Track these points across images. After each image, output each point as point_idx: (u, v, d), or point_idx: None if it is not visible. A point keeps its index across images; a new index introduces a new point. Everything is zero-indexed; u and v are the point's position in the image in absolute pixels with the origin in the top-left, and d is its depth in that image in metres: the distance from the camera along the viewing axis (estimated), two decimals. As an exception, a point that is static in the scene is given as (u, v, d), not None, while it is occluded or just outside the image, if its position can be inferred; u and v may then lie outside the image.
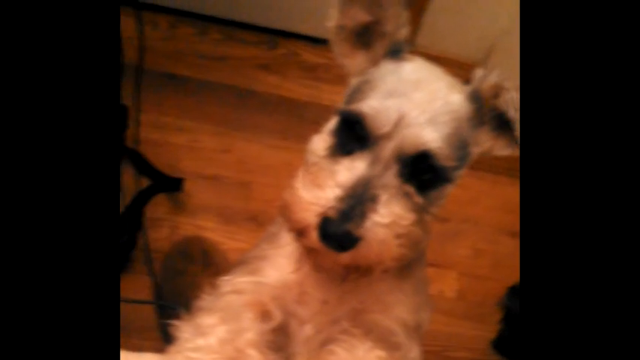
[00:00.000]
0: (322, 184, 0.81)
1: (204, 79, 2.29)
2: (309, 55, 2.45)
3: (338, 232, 0.78)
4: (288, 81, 2.39)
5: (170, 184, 2.00)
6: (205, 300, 1.00)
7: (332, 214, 0.79)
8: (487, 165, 2.42)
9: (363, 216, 0.79)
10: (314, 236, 0.80)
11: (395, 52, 0.92)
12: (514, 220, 2.37)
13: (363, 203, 0.79)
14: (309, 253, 0.87)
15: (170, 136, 2.15)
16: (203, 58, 2.34)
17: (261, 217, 2.09)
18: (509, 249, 2.32)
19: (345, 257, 0.81)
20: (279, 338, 0.97)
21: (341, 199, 0.79)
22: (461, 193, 2.34)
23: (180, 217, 2.03)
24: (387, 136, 0.83)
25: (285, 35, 2.46)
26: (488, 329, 2.10)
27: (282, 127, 2.26)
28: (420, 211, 0.85)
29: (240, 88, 2.32)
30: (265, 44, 2.44)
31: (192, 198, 2.07)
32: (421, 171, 0.85)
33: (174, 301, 1.67)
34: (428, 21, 2.31)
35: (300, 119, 2.30)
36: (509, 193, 2.44)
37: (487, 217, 2.38)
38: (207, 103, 2.25)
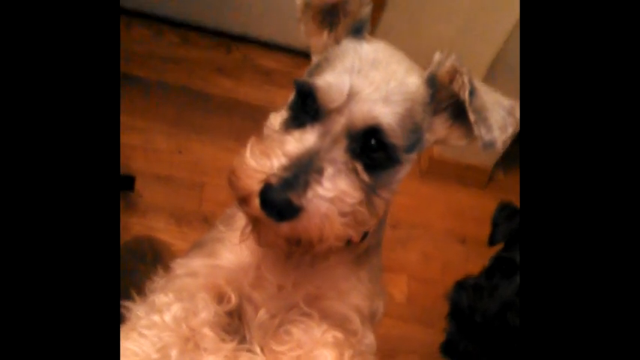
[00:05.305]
0: (269, 153, 0.81)
1: (159, 80, 2.27)
2: (264, 60, 2.45)
3: (277, 200, 0.77)
4: (244, 85, 2.38)
5: (121, 183, 1.96)
6: (158, 282, 0.98)
7: (274, 181, 0.78)
8: (437, 172, 2.46)
9: (305, 186, 0.78)
10: (255, 204, 0.80)
11: (357, 31, 0.93)
12: (463, 226, 2.41)
13: (308, 174, 0.79)
14: (253, 225, 0.86)
15: (122, 135, 2.11)
16: (158, 59, 2.32)
17: (214, 219, 2.05)
18: (459, 254, 2.36)
19: (285, 228, 0.80)
20: (235, 321, 0.96)
21: (285, 168, 0.79)
22: (411, 199, 2.39)
23: (131, 216, 1.99)
24: (339, 111, 0.83)
25: (240, 40, 2.47)
26: (438, 333, 2.11)
27: (237, 130, 2.25)
28: (367, 191, 0.85)
29: (195, 91, 2.30)
30: (220, 48, 2.44)
31: (144, 198, 2.04)
32: (370, 148, 0.85)
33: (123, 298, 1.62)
34: (387, 18, 2.34)
35: (255, 123, 2.27)
36: (459, 199, 2.49)
37: (437, 223, 2.41)
38: (161, 104, 2.23)
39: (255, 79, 2.41)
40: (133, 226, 1.98)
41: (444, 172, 2.48)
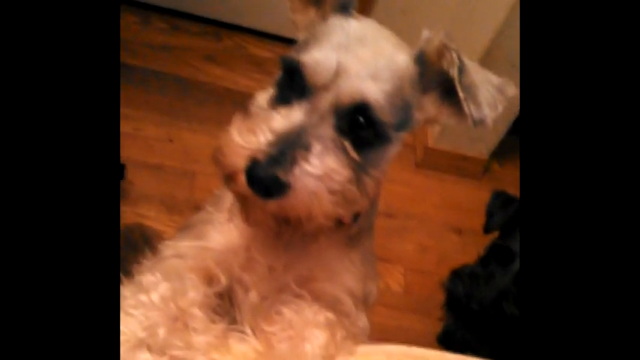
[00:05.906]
0: (255, 129, 0.79)
1: (148, 67, 2.25)
2: (256, 48, 2.44)
3: (264, 176, 0.76)
4: (235, 73, 2.36)
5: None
6: (146, 264, 0.96)
7: (261, 157, 0.76)
8: (432, 162, 2.44)
9: (292, 163, 0.76)
10: (242, 180, 0.78)
11: (343, 8, 0.91)
12: (459, 217, 2.40)
13: (295, 150, 0.77)
14: (241, 203, 0.84)
15: (113, 123, 2.09)
16: (147, 47, 2.30)
17: (206, 207, 2.04)
18: (455, 245, 2.34)
19: (273, 205, 0.78)
20: (225, 303, 0.94)
21: (272, 145, 0.77)
22: (407, 190, 2.37)
23: (122, 205, 1.96)
24: (326, 87, 0.81)
25: (231, 28, 2.44)
26: (435, 323, 2.10)
27: (230, 119, 2.22)
28: (357, 169, 0.83)
29: (186, 79, 2.28)
30: (210, 36, 2.41)
31: (135, 186, 2.01)
32: (359, 126, 0.83)
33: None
34: (379, 10, 2.33)
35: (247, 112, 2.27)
36: (455, 190, 2.47)
37: (433, 214, 2.39)
38: (151, 92, 2.20)
39: (247, 67, 2.38)
40: (124, 215, 1.94)
41: (440, 162, 2.46)
